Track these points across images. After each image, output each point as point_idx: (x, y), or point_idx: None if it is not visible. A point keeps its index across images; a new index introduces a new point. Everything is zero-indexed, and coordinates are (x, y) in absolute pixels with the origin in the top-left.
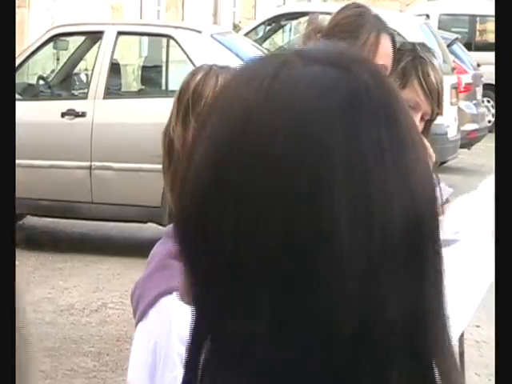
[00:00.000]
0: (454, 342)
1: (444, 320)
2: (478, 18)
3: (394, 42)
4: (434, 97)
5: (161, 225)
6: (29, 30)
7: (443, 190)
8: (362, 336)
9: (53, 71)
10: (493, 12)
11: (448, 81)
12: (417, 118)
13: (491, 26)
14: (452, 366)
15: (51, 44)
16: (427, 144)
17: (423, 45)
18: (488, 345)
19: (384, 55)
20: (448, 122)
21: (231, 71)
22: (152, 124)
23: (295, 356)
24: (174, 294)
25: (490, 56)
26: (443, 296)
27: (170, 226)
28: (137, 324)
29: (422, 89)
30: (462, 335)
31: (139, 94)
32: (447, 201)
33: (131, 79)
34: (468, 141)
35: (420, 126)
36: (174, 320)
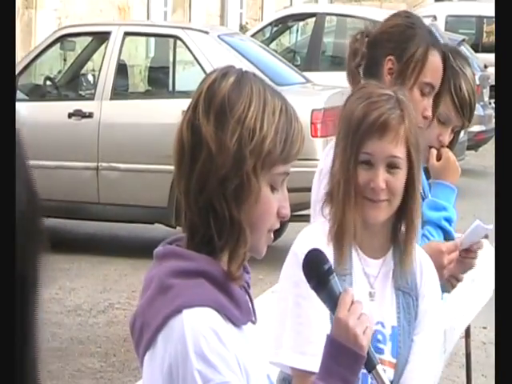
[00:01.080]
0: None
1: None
2: (485, 20)
3: (444, 57)
4: (466, 112)
5: (168, 226)
6: (36, 31)
7: (482, 227)
8: None
9: (60, 72)
10: None
11: None
12: (447, 132)
13: None
14: None
15: (58, 45)
16: (453, 158)
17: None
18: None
19: (431, 72)
20: None
21: (259, 79)
22: (159, 125)
23: None
24: (184, 312)
25: None
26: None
27: (162, 248)
28: (143, 355)
29: (454, 105)
30: (468, 337)
31: (146, 94)
32: (486, 236)
33: (138, 80)
34: (475, 142)
35: (450, 137)
36: (189, 338)
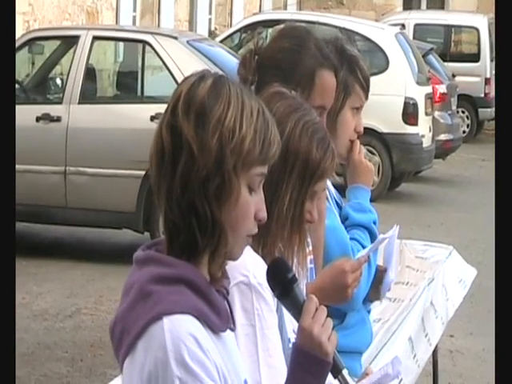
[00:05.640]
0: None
1: None
2: (453, 29)
3: (336, 73)
4: (369, 86)
5: (136, 231)
6: None
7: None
8: None
9: (28, 75)
10: (468, 23)
11: (423, 91)
12: (360, 117)
13: (466, 36)
14: None
15: (26, 48)
16: (365, 159)
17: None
18: (461, 354)
19: (320, 94)
20: (423, 131)
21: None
22: (127, 129)
23: None
24: (164, 319)
25: (465, 66)
26: None
27: (142, 253)
28: (123, 360)
29: (361, 86)
30: (435, 345)
31: (114, 99)
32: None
33: (106, 84)
34: (443, 151)
35: (358, 117)
36: (169, 345)
